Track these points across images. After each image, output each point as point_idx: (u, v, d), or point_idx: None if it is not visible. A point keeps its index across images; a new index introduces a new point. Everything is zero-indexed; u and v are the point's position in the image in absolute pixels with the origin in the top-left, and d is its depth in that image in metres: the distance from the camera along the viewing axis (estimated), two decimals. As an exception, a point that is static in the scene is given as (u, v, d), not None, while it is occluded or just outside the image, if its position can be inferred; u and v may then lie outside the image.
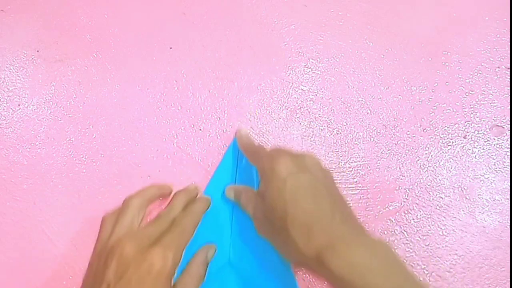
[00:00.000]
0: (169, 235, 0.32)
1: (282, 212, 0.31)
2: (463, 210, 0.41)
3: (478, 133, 0.44)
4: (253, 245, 0.38)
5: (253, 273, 0.37)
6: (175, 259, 0.30)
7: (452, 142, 0.44)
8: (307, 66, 0.47)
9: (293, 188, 0.32)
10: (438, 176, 0.42)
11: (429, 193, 0.42)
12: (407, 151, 0.43)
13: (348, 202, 0.35)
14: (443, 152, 0.43)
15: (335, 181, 0.36)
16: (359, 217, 0.41)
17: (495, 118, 0.44)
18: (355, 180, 0.42)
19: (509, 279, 0.39)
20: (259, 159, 0.36)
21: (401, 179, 0.42)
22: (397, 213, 0.41)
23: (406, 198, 0.42)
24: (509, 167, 0.43)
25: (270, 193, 0.32)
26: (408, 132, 0.44)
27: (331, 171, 0.36)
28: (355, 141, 0.44)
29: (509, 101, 0.45)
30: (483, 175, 0.42)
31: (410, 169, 0.43)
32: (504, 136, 0.44)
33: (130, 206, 0.34)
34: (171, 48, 0.47)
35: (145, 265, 0.29)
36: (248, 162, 0.39)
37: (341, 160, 0.43)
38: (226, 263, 0.38)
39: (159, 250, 0.30)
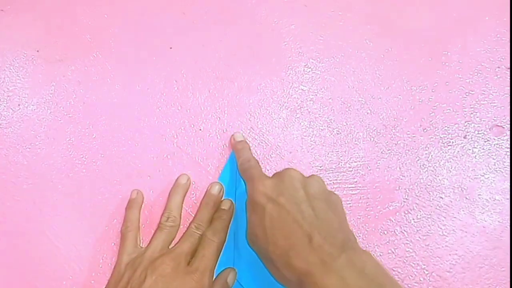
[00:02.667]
0: (203, 260, 0.35)
1: (263, 240, 0.31)
2: (463, 210, 0.41)
3: (478, 133, 0.44)
4: (259, 265, 0.37)
5: (258, 282, 0.37)
6: (210, 282, 0.34)
7: (452, 142, 0.44)
8: (307, 66, 0.47)
9: (272, 214, 0.32)
10: (438, 176, 0.42)
11: (429, 193, 0.42)
12: (407, 151, 0.43)
13: (338, 212, 0.33)
14: (443, 152, 0.43)
15: (324, 190, 0.34)
16: (359, 217, 0.41)
17: (495, 118, 0.44)
18: (355, 180, 0.42)
19: (509, 279, 0.39)
20: (247, 180, 0.36)
21: (401, 179, 0.42)
22: (397, 213, 0.41)
23: (406, 198, 0.42)
24: (509, 167, 0.43)
25: (252, 220, 0.33)
26: (408, 132, 0.44)
27: (313, 180, 0.34)
28: (355, 141, 0.44)
29: (509, 101, 0.45)
30: (483, 175, 0.42)
31: (410, 169, 0.43)
32: (504, 136, 0.44)
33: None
34: (171, 48, 0.47)
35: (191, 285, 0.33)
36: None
37: (341, 160, 0.43)
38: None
39: (197, 276, 0.34)
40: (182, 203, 0.40)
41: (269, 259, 0.31)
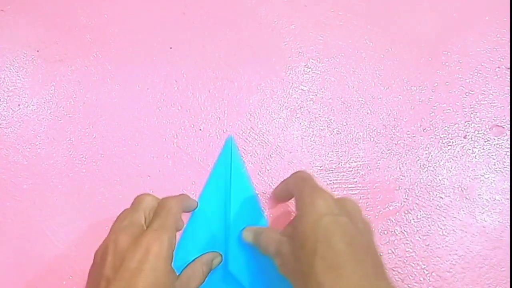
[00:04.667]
0: (158, 219, 0.31)
1: (311, 250, 0.28)
2: (463, 210, 0.41)
3: (478, 133, 0.44)
4: (251, 254, 0.37)
5: (254, 282, 0.37)
6: (170, 240, 0.30)
7: (452, 142, 0.44)
8: (307, 66, 0.47)
9: (329, 226, 0.28)
10: (438, 176, 0.42)
11: (429, 193, 0.42)
12: (407, 151, 0.43)
13: (383, 262, 0.31)
14: (443, 152, 0.43)
15: (372, 232, 0.32)
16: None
17: (495, 118, 0.44)
18: (355, 180, 0.42)
19: (509, 279, 0.39)
20: (302, 190, 0.32)
21: (401, 179, 0.42)
22: (397, 213, 0.41)
23: (406, 198, 0.42)
24: (509, 167, 0.43)
25: (303, 227, 0.29)
26: (408, 132, 0.44)
27: (370, 222, 0.32)
28: (355, 141, 0.44)
29: (509, 101, 0.45)
30: (483, 175, 0.42)
31: (410, 169, 0.43)
32: (504, 136, 0.44)
33: (139, 204, 0.33)
34: (171, 48, 0.47)
35: (141, 251, 0.28)
36: (241, 169, 0.39)
37: (341, 160, 0.43)
38: (225, 273, 0.38)
39: (152, 234, 0.29)
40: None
41: (311, 273, 0.27)
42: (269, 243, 0.33)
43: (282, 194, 0.38)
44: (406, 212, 0.41)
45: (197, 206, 0.39)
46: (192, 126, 0.44)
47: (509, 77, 0.46)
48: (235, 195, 0.40)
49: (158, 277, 0.28)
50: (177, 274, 0.32)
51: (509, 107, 0.45)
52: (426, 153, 0.43)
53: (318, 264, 0.27)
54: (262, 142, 0.44)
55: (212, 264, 0.36)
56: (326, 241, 0.28)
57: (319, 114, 0.45)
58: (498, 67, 0.46)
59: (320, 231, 0.28)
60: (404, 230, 0.41)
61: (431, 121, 0.44)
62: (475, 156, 0.43)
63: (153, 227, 0.30)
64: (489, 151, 0.43)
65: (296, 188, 0.33)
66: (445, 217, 0.41)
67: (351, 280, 0.26)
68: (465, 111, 0.45)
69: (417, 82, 0.46)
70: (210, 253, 0.37)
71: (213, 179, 0.42)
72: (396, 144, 0.44)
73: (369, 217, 0.41)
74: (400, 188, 0.42)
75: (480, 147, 0.43)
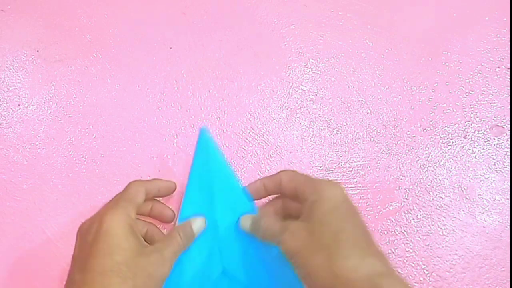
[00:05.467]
0: (114, 199, 0.34)
1: (336, 226, 0.29)
2: (463, 210, 0.41)
3: (478, 133, 0.44)
4: (246, 251, 0.36)
5: (251, 279, 0.36)
6: (122, 214, 0.31)
7: (452, 142, 0.44)
8: (307, 66, 0.47)
9: (351, 208, 0.31)
10: (438, 176, 0.42)
11: (429, 193, 0.42)
12: (407, 151, 0.43)
13: None
14: (443, 152, 0.43)
15: None
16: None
17: (495, 118, 0.44)
18: (355, 180, 0.42)
19: (509, 279, 0.39)
20: (306, 179, 0.34)
21: (401, 179, 0.42)
22: (397, 213, 0.41)
23: (406, 198, 0.42)
24: (509, 167, 0.43)
25: (323, 206, 0.31)
26: (408, 132, 0.44)
27: None
28: (355, 141, 0.44)
29: (509, 101, 0.45)
30: (483, 175, 0.42)
31: (410, 169, 0.43)
32: (504, 136, 0.44)
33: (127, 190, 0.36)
34: (171, 48, 0.47)
35: (94, 227, 0.31)
36: (221, 161, 0.38)
37: (341, 160, 0.43)
38: (220, 273, 0.37)
39: (104, 212, 0.31)
40: None
41: (334, 249, 0.29)
42: (271, 224, 0.34)
43: (260, 192, 0.37)
44: (406, 212, 0.41)
45: (174, 187, 0.39)
46: (192, 126, 0.44)
47: (509, 77, 0.46)
48: (218, 189, 0.37)
49: (115, 243, 0.30)
50: (146, 243, 0.33)
51: (509, 107, 0.45)
52: (426, 153, 0.43)
53: (345, 240, 0.29)
54: (262, 142, 0.44)
55: (192, 229, 0.35)
56: (351, 219, 0.30)
57: (319, 114, 0.45)
58: (498, 67, 0.46)
59: (342, 210, 0.31)
60: (404, 230, 0.41)
61: (431, 121, 0.44)
62: (475, 156, 0.43)
63: (108, 207, 0.33)
64: (489, 151, 0.43)
65: (296, 180, 0.35)
66: (445, 217, 0.41)
67: (377, 259, 0.28)
68: (465, 111, 0.45)
69: (417, 82, 0.46)
70: (190, 219, 0.36)
71: (193, 177, 0.39)
72: (396, 144, 0.44)
73: (369, 217, 0.41)
74: (400, 188, 0.42)
75: (480, 147, 0.43)
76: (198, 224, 0.35)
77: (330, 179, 0.34)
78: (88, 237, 0.31)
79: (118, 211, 0.32)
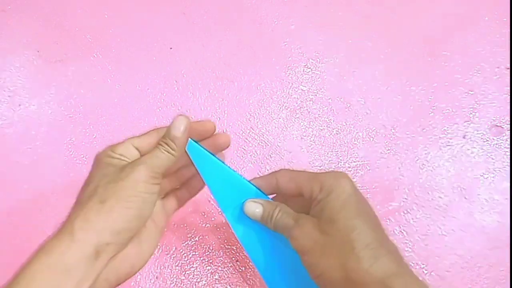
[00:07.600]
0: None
1: (347, 225, 0.29)
2: (462, 210, 0.41)
3: (477, 133, 0.44)
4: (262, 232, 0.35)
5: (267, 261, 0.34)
6: (118, 145, 0.34)
7: (452, 142, 0.44)
8: (307, 66, 0.47)
9: (361, 200, 0.31)
10: (437, 176, 0.42)
11: (428, 193, 0.42)
12: (406, 151, 0.43)
13: None
14: (442, 152, 0.43)
15: None
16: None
17: (494, 118, 0.44)
18: (354, 180, 0.42)
19: (508, 279, 0.39)
20: (314, 175, 0.33)
21: (401, 179, 0.42)
22: (397, 213, 0.41)
23: (405, 198, 0.42)
24: (508, 167, 0.43)
25: (333, 203, 0.31)
26: (408, 132, 0.44)
27: None
28: (355, 141, 0.44)
29: (508, 101, 0.45)
30: (482, 175, 0.42)
31: (410, 169, 0.43)
32: (504, 136, 0.44)
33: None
34: (171, 48, 0.48)
35: (99, 155, 0.33)
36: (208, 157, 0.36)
37: (341, 160, 0.43)
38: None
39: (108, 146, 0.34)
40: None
41: (347, 246, 0.29)
42: (285, 216, 0.33)
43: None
44: (405, 212, 0.41)
45: (214, 128, 0.36)
46: (192, 126, 0.44)
47: (508, 77, 0.46)
48: (212, 184, 0.35)
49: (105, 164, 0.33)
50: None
51: (508, 107, 0.45)
52: (425, 153, 0.43)
53: (356, 237, 0.29)
54: (262, 142, 0.44)
55: (178, 132, 0.34)
56: (362, 216, 0.30)
57: (319, 114, 0.45)
58: (498, 67, 0.46)
59: (353, 206, 0.30)
60: (404, 230, 0.41)
61: (430, 121, 0.44)
62: (474, 156, 0.43)
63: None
64: (488, 151, 0.43)
65: (297, 179, 0.34)
66: (444, 217, 0.41)
67: (390, 259, 0.28)
68: (465, 111, 0.45)
69: (417, 82, 0.46)
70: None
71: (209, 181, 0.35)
72: (395, 144, 0.44)
73: (368, 217, 0.41)
74: (399, 188, 0.42)
75: (479, 147, 0.43)
76: (181, 122, 0.35)
77: (333, 170, 0.33)
78: (94, 167, 0.34)
79: (110, 148, 0.34)
